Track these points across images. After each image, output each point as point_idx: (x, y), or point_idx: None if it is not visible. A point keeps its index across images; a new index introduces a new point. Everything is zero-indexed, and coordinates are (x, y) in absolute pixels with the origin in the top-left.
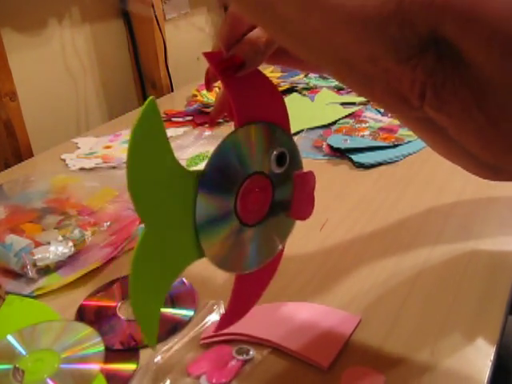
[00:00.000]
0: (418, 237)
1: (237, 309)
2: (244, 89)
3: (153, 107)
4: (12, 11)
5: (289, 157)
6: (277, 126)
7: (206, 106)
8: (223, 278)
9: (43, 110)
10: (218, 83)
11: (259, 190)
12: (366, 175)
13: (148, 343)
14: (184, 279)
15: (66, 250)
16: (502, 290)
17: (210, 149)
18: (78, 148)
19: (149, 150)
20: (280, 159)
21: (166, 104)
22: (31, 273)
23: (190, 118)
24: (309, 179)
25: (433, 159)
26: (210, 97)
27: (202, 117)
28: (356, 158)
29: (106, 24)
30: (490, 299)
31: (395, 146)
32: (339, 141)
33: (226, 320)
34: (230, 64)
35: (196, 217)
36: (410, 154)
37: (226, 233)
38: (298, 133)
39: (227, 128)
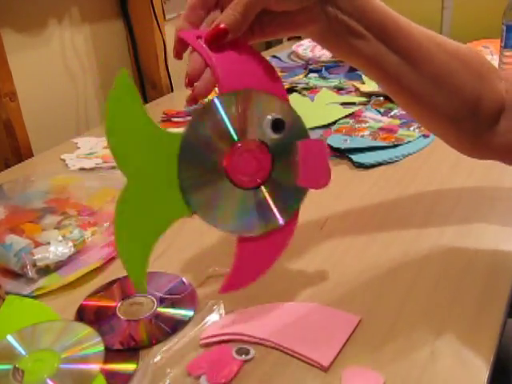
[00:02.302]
0: (417, 237)
1: (240, 274)
2: (229, 58)
3: (125, 77)
4: (12, 11)
5: (288, 124)
6: (270, 94)
7: None
8: (221, 279)
9: (43, 110)
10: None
11: (251, 155)
12: (365, 175)
13: (137, 289)
14: (184, 279)
15: (66, 250)
16: (502, 290)
17: None
18: (78, 148)
19: (124, 112)
20: (275, 125)
21: (165, 104)
22: (31, 273)
23: (189, 118)
24: (317, 147)
25: (433, 159)
26: (210, 97)
27: None
28: (356, 157)
29: (106, 24)
30: (490, 300)
31: (395, 146)
32: (339, 141)
33: (229, 283)
34: (213, 35)
35: (180, 176)
36: (410, 154)
37: (215, 193)
38: None
39: None
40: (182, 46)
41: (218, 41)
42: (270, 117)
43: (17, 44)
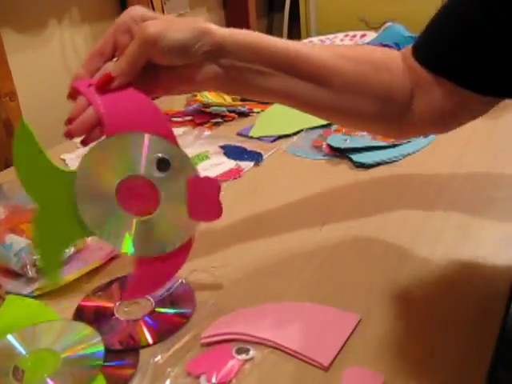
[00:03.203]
0: (417, 237)
1: (138, 287)
2: (116, 103)
3: (25, 128)
4: (12, 12)
5: (174, 163)
6: (156, 135)
7: (206, 105)
8: (222, 279)
9: (43, 110)
10: None
11: (138, 190)
12: (365, 175)
13: (52, 281)
14: (182, 280)
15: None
16: (502, 290)
17: (209, 148)
18: (78, 148)
19: (26, 157)
20: (160, 164)
21: (165, 104)
22: (31, 273)
23: (189, 117)
24: (207, 184)
25: (432, 159)
26: (210, 97)
27: (201, 117)
28: (356, 157)
29: (106, 24)
30: (491, 299)
31: (395, 145)
32: (339, 141)
33: (129, 293)
34: (102, 82)
35: (77, 206)
36: (410, 154)
37: (110, 220)
38: (297, 133)
39: (227, 128)
40: (74, 92)
41: (106, 86)
42: (155, 155)
43: (17, 44)
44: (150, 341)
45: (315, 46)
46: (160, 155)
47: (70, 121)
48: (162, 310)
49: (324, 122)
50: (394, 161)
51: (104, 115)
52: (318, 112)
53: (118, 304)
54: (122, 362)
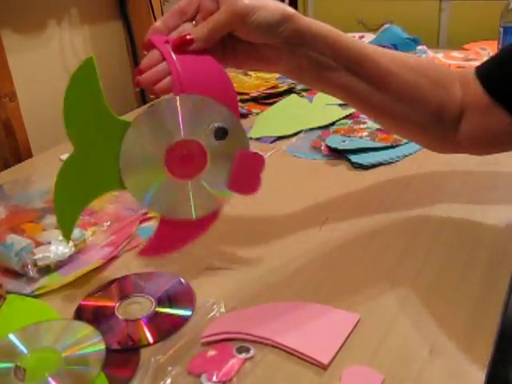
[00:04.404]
0: (416, 237)
1: (158, 243)
2: (190, 65)
3: (91, 62)
4: (12, 12)
5: (231, 135)
6: (221, 104)
7: None
8: (221, 278)
9: (43, 111)
10: None
11: (189, 153)
12: (364, 176)
13: (63, 237)
14: (182, 279)
15: (67, 250)
16: (500, 289)
17: None
18: None
19: (82, 90)
20: (218, 133)
21: None
22: (32, 272)
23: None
24: (253, 159)
25: (431, 160)
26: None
27: None
28: (354, 158)
29: (105, 25)
30: (488, 301)
31: (393, 146)
32: (338, 142)
33: (147, 249)
34: (180, 42)
35: (120, 156)
36: (408, 155)
37: (148, 177)
38: (296, 134)
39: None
40: (149, 44)
41: (183, 47)
42: (215, 124)
43: (17, 45)
44: (151, 340)
45: (382, 51)
46: (221, 124)
47: (139, 71)
48: (162, 309)
49: (322, 124)
50: (393, 162)
51: (178, 74)
52: (371, 112)
53: (117, 304)
54: (123, 361)
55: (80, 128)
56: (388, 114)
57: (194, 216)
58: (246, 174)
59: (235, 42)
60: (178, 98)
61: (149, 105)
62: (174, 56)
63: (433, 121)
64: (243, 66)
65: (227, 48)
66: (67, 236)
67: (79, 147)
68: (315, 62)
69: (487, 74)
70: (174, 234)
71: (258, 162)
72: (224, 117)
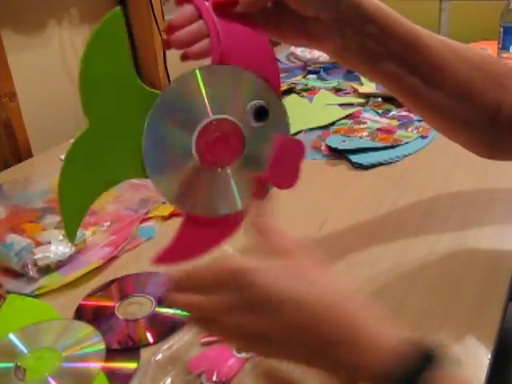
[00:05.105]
0: (416, 236)
1: (176, 250)
2: (232, 30)
3: (118, 15)
4: (12, 12)
5: (272, 116)
6: (263, 80)
7: None
8: None
9: (43, 110)
10: None
11: (223, 135)
12: (364, 176)
13: (67, 237)
14: None
15: (67, 250)
16: (501, 288)
17: None
18: None
19: (105, 50)
20: (258, 113)
21: None
22: (32, 272)
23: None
24: (295, 147)
25: (431, 160)
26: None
27: None
28: (354, 158)
29: None
30: (488, 298)
31: (393, 146)
32: (338, 142)
33: (162, 257)
34: (223, 1)
35: (144, 135)
36: (408, 155)
37: (175, 163)
38: (296, 133)
39: None
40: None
41: (226, 8)
42: (255, 103)
43: (17, 44)
44: (151, 340)
45: (436, 38)
46: (262, 103)
47: (170, 29)
48: (161, 310)
49: (322, 124)
50: (392, 161)
51: (218, 38)
52: (420, 108)
53: (117, 304)
54: (123, 361)
55: (99, 96)
56: (438, 112)
57: (239, 207)
58: (286, 164)
59: (281, 12)
60: (219, 67)
61: (176, 79)
62: (215, 18)
63: (486, 121)
64: (285, 39)
65: (271, 17)
66: (71, 234)
67: (95, 120)
68: (364, 47)
69: None
70: (196, 238)
71: (299, 150)
72: (267, 95)
